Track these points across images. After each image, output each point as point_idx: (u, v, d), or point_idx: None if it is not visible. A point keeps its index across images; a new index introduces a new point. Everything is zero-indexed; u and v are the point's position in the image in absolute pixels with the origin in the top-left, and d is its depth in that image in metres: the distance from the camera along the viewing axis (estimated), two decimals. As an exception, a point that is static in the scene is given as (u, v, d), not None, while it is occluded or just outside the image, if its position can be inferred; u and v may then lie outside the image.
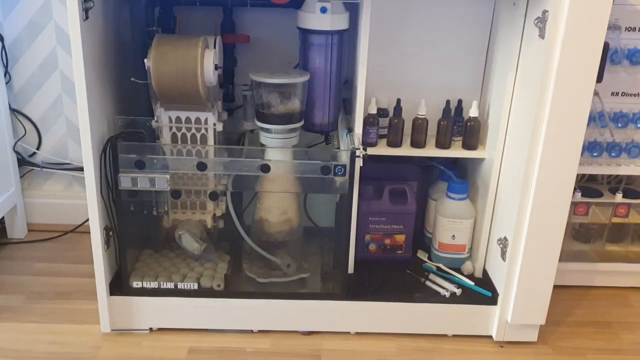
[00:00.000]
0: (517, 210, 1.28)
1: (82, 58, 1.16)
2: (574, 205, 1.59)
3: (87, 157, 1.23)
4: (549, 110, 1.17)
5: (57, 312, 1.49)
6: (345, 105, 1.48)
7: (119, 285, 1.38)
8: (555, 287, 1.36)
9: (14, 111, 1.78)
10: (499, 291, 1.40)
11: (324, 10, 1.28)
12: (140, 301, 1.39)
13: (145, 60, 1.22)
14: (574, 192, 1.56)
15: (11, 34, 1.71)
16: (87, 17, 1.16)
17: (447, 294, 1.42)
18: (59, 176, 1.89)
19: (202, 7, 1.50)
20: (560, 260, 1.53)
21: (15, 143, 1.80)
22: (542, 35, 1.16)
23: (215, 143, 1.33)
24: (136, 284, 1.38)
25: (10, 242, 1.83)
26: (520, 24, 1.27)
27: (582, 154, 1.48)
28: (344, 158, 1.27)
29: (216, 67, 1.24)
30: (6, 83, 1.73)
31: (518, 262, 1.32)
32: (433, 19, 1.41)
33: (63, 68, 1.75)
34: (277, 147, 1.35)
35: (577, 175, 1.58)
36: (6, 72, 1.73)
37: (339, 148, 1.35)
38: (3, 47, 1.70)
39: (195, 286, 1.38)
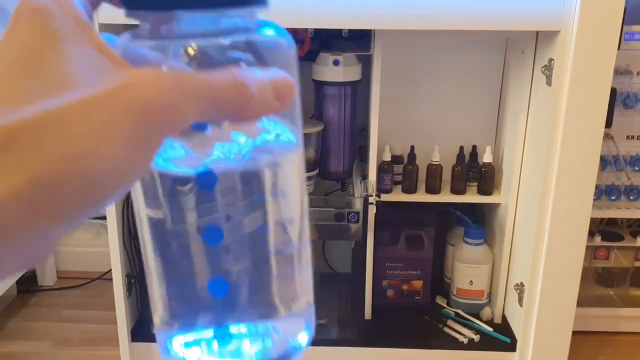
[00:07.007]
0: (532, 256, 1.28)
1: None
2: (594, 249, 1.58)
3: (110, 206, 1.29)
4: (558, 155, 1.19)
5: (81, 359, 1.53)
6: (362, 152, 1.51)
7: (141, 332, 1.41)
8: (579, 332, 1.34)
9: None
10: (517, 337, 1.38)
11: (336, 62, 1.32)
12: (161, 347, 1.41)
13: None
14: (593, 236, 1.56)
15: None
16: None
17: (465, 341, 1.41)
18: (88, 225, 1.95)
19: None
20: (583, 305, 1.52)
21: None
22: (549, 83, 1.18)
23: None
24: (157, 331, 1.41)
25: (41, 289, 1.89)
26: (529, 71, 1.29)
27: (599, 197, 1.49)
28: (358, 205, 1.30)
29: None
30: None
31: (535, 308, 1.31)
32: (445, 67, 1.44)
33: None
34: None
35: (597, 219, 1.58)
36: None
37: (353, 195, 1.38)
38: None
39: (214, 332, 1.41)
